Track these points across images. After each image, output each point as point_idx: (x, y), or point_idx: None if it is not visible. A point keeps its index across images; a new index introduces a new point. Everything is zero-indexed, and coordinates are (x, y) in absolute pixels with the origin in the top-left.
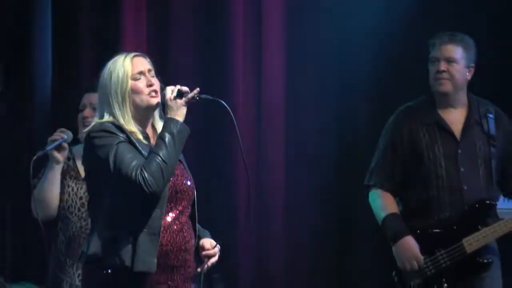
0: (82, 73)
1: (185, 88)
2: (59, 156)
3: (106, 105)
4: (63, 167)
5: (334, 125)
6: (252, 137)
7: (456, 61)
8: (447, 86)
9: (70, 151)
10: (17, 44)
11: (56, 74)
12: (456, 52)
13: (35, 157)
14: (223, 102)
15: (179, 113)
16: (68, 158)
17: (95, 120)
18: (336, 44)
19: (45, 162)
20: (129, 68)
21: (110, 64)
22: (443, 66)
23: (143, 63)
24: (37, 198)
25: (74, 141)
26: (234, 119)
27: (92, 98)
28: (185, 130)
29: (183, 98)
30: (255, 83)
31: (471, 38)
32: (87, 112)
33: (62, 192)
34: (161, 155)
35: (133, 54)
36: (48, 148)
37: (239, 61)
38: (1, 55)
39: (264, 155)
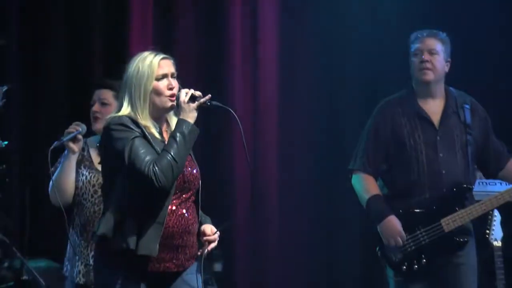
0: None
1: (198, 93)
2: (75, 147)
3: (127, 98)
4: (78, 157)
5: (325, 116)
6: (248, 127)
7: (438, 53)
8: (430, 76)
9: (85, 142)
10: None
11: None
12: (437, 45)
13: (52, 147)
14: (231, 110)
15: (191, 116)
16: (83, 149)
17: (114, 112)
18: (326, 42)
19: (61, 151)
20: (155, 69)
21: (138, 60)
22: (426, 56)
23: (169, 66)
24: (55, 186)
25: (88, 133)
26: (240, 125)
27: (101, 94)
28: (195, 131)
29: (196, 102)
30: (251, 75)
31: (448, 36)
32: (97, 107)
33: (77, 180)
34: (172, 153)
35: (161, 56)
36: (65, 139)
37: (237, 56)
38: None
39: (259, 143)
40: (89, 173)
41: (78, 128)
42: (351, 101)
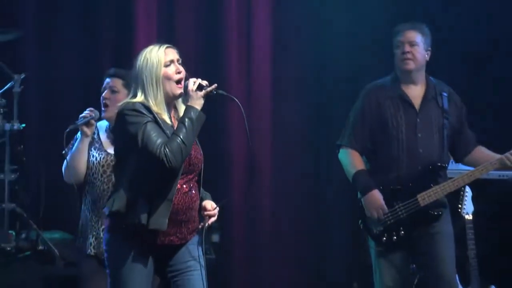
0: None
1: (205, 82)
2: (88, 131)
3: (140, 87)
4: (90, 139)
5: (313, 102)
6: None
7: (417, 44)
8: (411, 65)
9: (96, 126)
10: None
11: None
12: (417, 37)
13: (67, 130)
14: (235, 98)
15: (198, 103)
16: (94, 133)
17: (128, 99)
18: (314, 37)
19: (74, 134)
20: (162, 57)
21: (146, 52)
22: (407, 48)
23: (174, 53)
24: (69, 165)
25: (99, 118)
26: (243, 113)
27: (111, 82)
28: (202, 117)
29: (203, 91)
30: (245, 65)
31: (427, 27)
32: (107, 94)
33: (88, 161)
34: (181, 136)
35: (166, 45)
36: (79, 123)
37: (232, 53)
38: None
39: (253, 129)
40: (99, 155)
41: (91, 113)
42: (337, 90)
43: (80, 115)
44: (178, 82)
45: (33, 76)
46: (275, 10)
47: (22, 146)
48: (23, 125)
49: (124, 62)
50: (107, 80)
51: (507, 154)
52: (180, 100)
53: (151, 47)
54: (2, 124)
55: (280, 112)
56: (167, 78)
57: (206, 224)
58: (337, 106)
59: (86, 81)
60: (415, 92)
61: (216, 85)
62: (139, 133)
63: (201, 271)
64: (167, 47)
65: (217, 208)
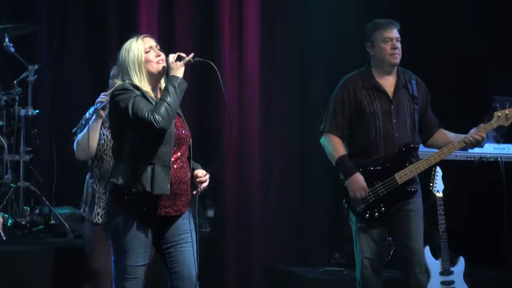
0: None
1: (183, 54)
2: (103, 113)
3: (125, 74)
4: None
5: (297, 87)
6: (234, 95)
7: (399, 40)
8: (398, 59)
9: None
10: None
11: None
12: (398, 33)
13: (90, 116)
14: (211, 63)
15: (179, 72)
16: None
17: (118, 83)
18: (299, 31)
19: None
20: (141, 45)
21: (126, 44)
22: (397, 44)
23: (151, 41)
24: (83, 143)
25: None
26: (219, 76)
27: None
28: (184, 83)
29: (182, 61)
30: (237, 55)
31: None
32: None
33: (99, 138)
34: (167, 100)
35: (143, 35)
36: (98, 107)
37: (225, 39)
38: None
39: (244, 108)
40: (109, 133)
41: (107, 98)
42: (318, 77)
43: (97, 100)
44: (159, 62)
45: (45, 67)
46: (263, 5)
47: (35, 130)
48: (37, 111)
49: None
50: (116, 67)
51: (468, 136)
52: (163, 81)
53: (130, 40)
54: (17, 110)
55: (268, 94)
56: (149, 61)
57: (199, 190)
58: (319, 92)
59: (93, 71)
60: (388, 82)
61: (193, 54)
62: (129, 105)
63: (191, 243)
64: (144, 37)
65: (208, 174)
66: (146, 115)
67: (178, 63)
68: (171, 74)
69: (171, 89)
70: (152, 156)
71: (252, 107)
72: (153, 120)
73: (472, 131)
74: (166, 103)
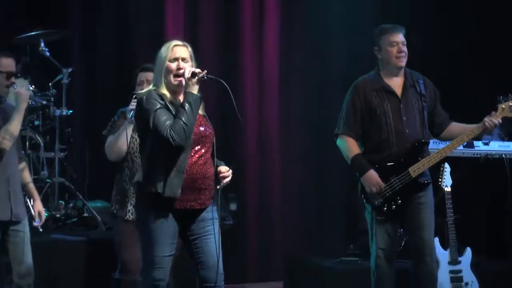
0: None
1: (197, 70)
2: (133, 119)
3: (154, 77)
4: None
5: (314, 88)
6: (256, 98)
7: (405, 44)
8: (404, 62)
9: None
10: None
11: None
12: (404, 38)
13: (115, 116)
14: (222, 81)
15: (194, 88)
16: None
17: (148, 88)
18: (316, 35)
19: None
20: (169, 53)
21: (162, 47)
22: (403, 48)
23: (181, 52)
24: (113, 145)
25: None
26: (230, 91)
27: (148, 75)
28: (198, 99)
29: (196, 77)
30: (257, 61)
31: None
32: (145, 86)
33: (129, 141)
34: (183, 119)
35: (175, 43)
36: (131, 114)
37: (246, 48)
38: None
39: (264, 110)
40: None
41: None
42: (334, 81)
43: (129, 108)
44: (176, 76)
45: (78, 70)
46: (283, 11)
47: (69, 129)
48: (71, 111)
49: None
50: (143, 73)
51: (486, 119)
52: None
53: (168, 42)
54: (53, 110)
55: (287, 98)
56: (168, 71)
57: (222, 184)
58: (334, 92)
59: (122, 74)
60: (396, 83)
61: (206, 71)
62: (150, 118)
63: (214, 234)
64: (175, 45)
65: (230, 170)
66: (164, 133)
67: (193, 79)
68: (186, 90)
69: (187, 106)
70: (169, 162)
71: (272, 108)
72: (170, 138)
73: (486, 119)
74: (182, 121)
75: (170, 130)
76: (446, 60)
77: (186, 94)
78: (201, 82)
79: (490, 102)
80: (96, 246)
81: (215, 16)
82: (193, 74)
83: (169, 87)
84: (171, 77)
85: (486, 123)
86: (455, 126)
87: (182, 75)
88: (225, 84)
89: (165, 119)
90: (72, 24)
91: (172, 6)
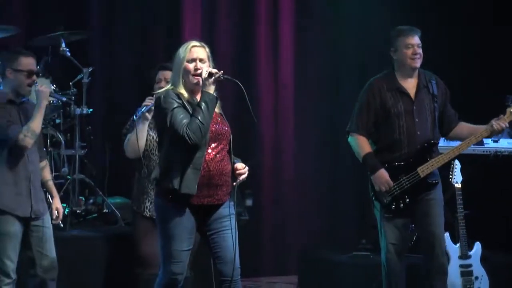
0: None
1: (214, 70)
2: (149, 116)
3: (172, 76)
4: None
5: (329, 89)
6: (271, 100)
7: (420, 46)
8: (419, 63)
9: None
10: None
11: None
12: (419, 40)
13: (137, 117)
14: (237, 81)
15: (210, 88)
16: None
17: (166, 87)
18: (330, 38)
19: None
20: (186, 54)
21: (180, 48)
22: (418, 50)
23: (198, 52)
24: (132, 143)
25: None
26: (245, 92)
27: (166, 74)
28: (215, 98)
29: (212, 78)
30: (273, 60)
31: None
32: (163, 84)
33: (146, 139)
34: (199, 118)
35: (193, 44)
36: (144, 110)
37: (261, 47)
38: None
39: (279, 111)
40: (155, 134)
41: (152, 101)
42: (348, 80)
43: (143, 103)
44: (194, 75)
45: (98, 69)
46: (297, 18)
47: (90, 127)
48: (91, 109)
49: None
50: (162, 72)
51: (493, 122)
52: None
53: (186, 43)
54: (73, 109)
55: (301, 96)
56: (186, 71)
57: (238, 181)
58: (348, 94)
59: (141, 73)
60: (410, 84)
61: (222, 71)
62: (168, 116)
63: (231, 229)
64: (193, 46)
65: (247, 167)
66: (181, 131)
67: (209, 80)
68: (203, 89)
69: (203, 105)
70: (185, 159)
71: (287, 107)
72: (186, 136)
73: (493, 121)
74: (198, 120)
75: (186, 129)
76: (453, 59)
77: (203, 93)
78: (218, 82)
79: (498, 102)
80: (116, 241)
81: (231, 17)
82: (210, 74)
83: (187, 86)
84: (190, 77)
85: (494, 126)
86: (463, 127)
87: (200, 74)
88: (240, 85)
89: (181, 118)
90: (92, 24)
91: (189, 6)
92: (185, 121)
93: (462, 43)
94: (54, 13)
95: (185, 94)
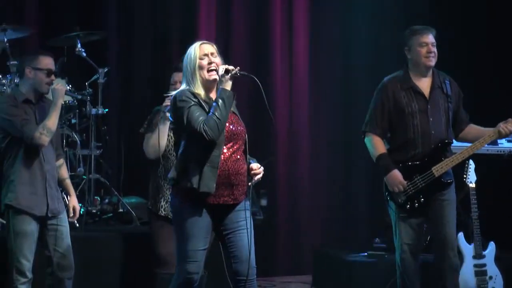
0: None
1: (230, 67)
2: (169, 116)
3: (184, 77)
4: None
5: (342, 87)
6: (287, 96)
7: (435, 45)
8: (433, 62)
9: None
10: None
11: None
12: (434, 39)
13: (160, 118)
14: (254, 77)
15: (227, 85)
16: None
17: (181, 87)
18: (344, 35)
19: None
20: (198, 51)
21: (189, 50)
22: (433, 48)
23: (208, 48)
24: (153, 143)
25: None
26: (262, 89)
27: (180, 76)
28: (231, 95)
29: (229, 74)
30: (287, 59)
31: None
32: (178, 86)
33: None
34: (216, 114)
35: (201, 42)
36: (166, 110)
37: (276, 47)
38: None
39: (294, 108)
40: (173, 134)
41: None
42: (361, 80)
43: (163, 104)
44: (210, 70)
45: (114, 70)
46: (311, 12)
47: (105, 127)
48: (106, 110)
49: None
50: (176, 74)
51: (500, 125)
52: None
53: (193, 44)
54: (89, 109)
55: (316, 95)
56: (201, 68)
57: (254, 181)
58: (361, 90)
59: (156, 73)
60: (424, 83)
61: (238, 68)
62: (184, 114)
63: (247, 229)
64: (202, 43)
65: (262, 167)
66: (198, 127)
67: (226, 76)
68: (220, 86)
69: (220, 102)
70: (203, 158)
71: (301, 106)
72: (203, 132)
73: (500, 124)
74: (215, 116)
75: (203, 125)
76: (463, 60)
77: (220, 90)
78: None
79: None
80: (132, 241)
81: (246, 17)
82: (227, 71)
83: (203, 84)
84: (205, 73)
85: (501, 129)
86: (472, 129)
87: (216, 70)
88: (257, 81)
89: (198, 115)
90: (107, 24)
91: (205, 6)
92: (201, 118)
93: (470, 43)
94: (70, 14)
95: (201, 93)
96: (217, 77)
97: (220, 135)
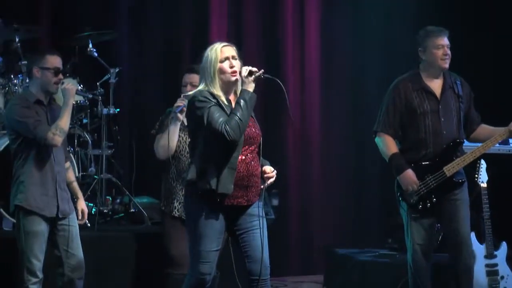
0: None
1: (254, 69)
2: (180, 116)
3: (203, 78)
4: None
5: (355, 89)
6: (298, 96)
7: (449, 47)
8: (448, 64)
9: None
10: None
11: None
12: (448, 41)
13: (170, 117)
14: (278, 81)
15: (250, 86)
16: None
17: (199, 87)
18: (354, 36)
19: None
20: (219, 54)
21: (208, 50)
22: (448, 51)
23: (229, 51)
24: (163, 143)
25: None
26: (285, 92)
27: (192, 77)
28: (254, 97)
29: (253, 76)
30: (299, 60)
31: None
32: (189, 88)
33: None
34: (238, 114)
35: (223, 44)
36: (177, 111)
37: (288, 47)
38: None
39: (305, 107)
40: (184, 135)
41: (184, 102)
42: (372, 80)
43: (175, 104)
44: (233, 73)
45: (125, 70)
46: (324, 13)
47: (116, 127)
48: (118, 109)
49: (200, 59)
50: (188, 75)
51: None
52: (239, 85)
53: (213, 45)
54: (100, 109)
55: (327, 95)
56: (222, 71)
57: (266, 184)
58: (373, 94)
59: (167, 74)
60: (436, 84)
61: (263, 70)
62: (204, 114)
63: (260, 229)
64: (223, 46)
65: (275, 171)
66: (219, 127)
67: (249, 78)
68: (243, 87)
69: (242, 103)
70: (222, 159)
71: (313, 106)
72: (225, 132)
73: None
74: (237, 117)
75: (225, 125)
76: (472, 61)
77: (242, 91)
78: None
79: None
80: (143, 241)
81: (258, 16)
82: (250, 73)
83: (222, 87)
84: (227, 75)
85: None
86: (484, 129)
87: (238, 72)
88: (281, 84)
89: (219, 115)
90: (119, 24)
91: (217, 6)
92: (222, 118)
93: (477, 45)
94: (81, 14)
95: (220, 95)
96: (239, 78)
97: (241, 136)
